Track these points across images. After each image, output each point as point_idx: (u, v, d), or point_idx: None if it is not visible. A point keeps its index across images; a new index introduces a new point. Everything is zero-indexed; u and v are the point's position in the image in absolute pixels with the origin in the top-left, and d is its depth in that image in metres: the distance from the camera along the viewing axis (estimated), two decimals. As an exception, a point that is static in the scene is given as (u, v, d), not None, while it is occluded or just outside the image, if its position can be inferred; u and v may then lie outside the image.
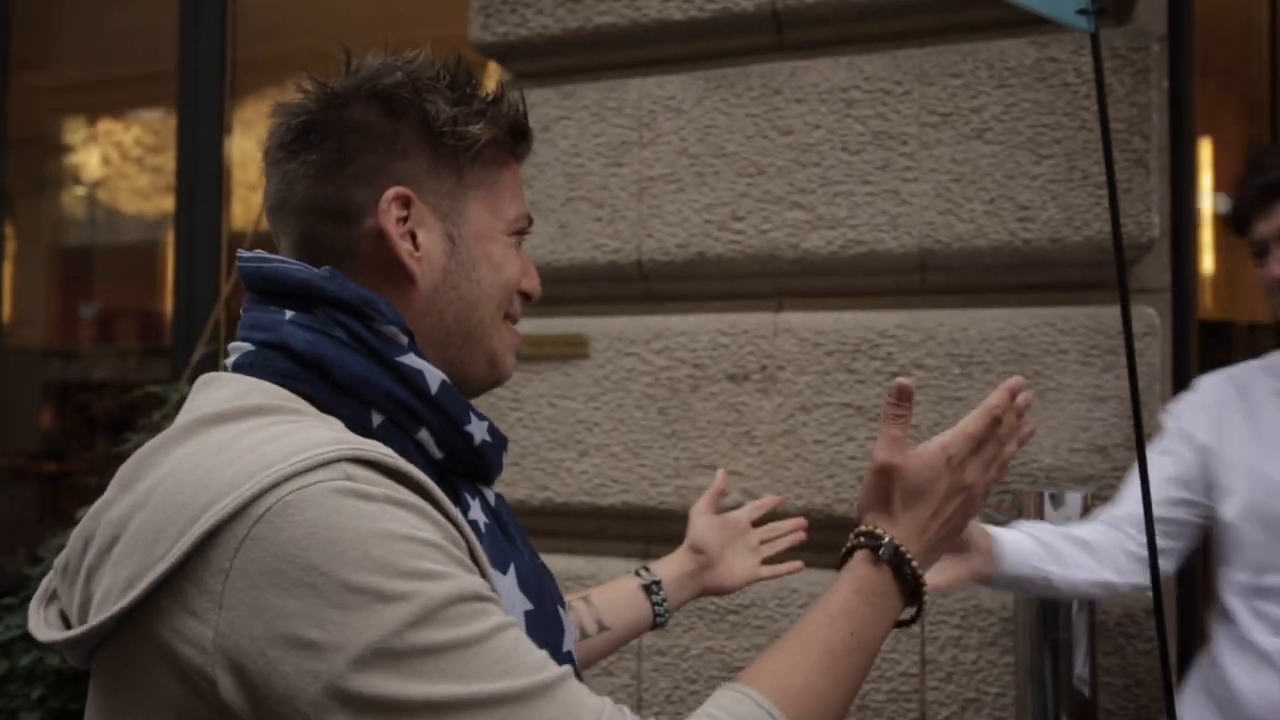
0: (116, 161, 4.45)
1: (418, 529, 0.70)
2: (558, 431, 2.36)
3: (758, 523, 1.49)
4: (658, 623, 1.38)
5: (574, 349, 2.35)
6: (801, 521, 1.52)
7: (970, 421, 0.99)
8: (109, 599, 0.72)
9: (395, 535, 0.69)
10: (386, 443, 0.79)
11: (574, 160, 2.37)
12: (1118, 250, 1.37)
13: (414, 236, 0.87)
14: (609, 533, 2.37)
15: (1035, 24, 2.14)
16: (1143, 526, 1.40)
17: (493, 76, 2.61)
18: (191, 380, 3.12)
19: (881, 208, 2.18)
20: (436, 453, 0.86)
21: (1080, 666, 1.82)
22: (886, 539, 0.93)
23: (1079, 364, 2.05)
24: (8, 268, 4.08)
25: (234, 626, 0.67)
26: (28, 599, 2.90)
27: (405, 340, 0.84)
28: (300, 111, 0.88)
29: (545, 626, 0.88)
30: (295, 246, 0.88)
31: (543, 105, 2.39)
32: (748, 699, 0.79)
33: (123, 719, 0.74)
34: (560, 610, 0.94)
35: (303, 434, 0.73)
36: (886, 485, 0.96)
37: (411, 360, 0.84)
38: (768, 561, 1.47)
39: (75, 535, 0.79)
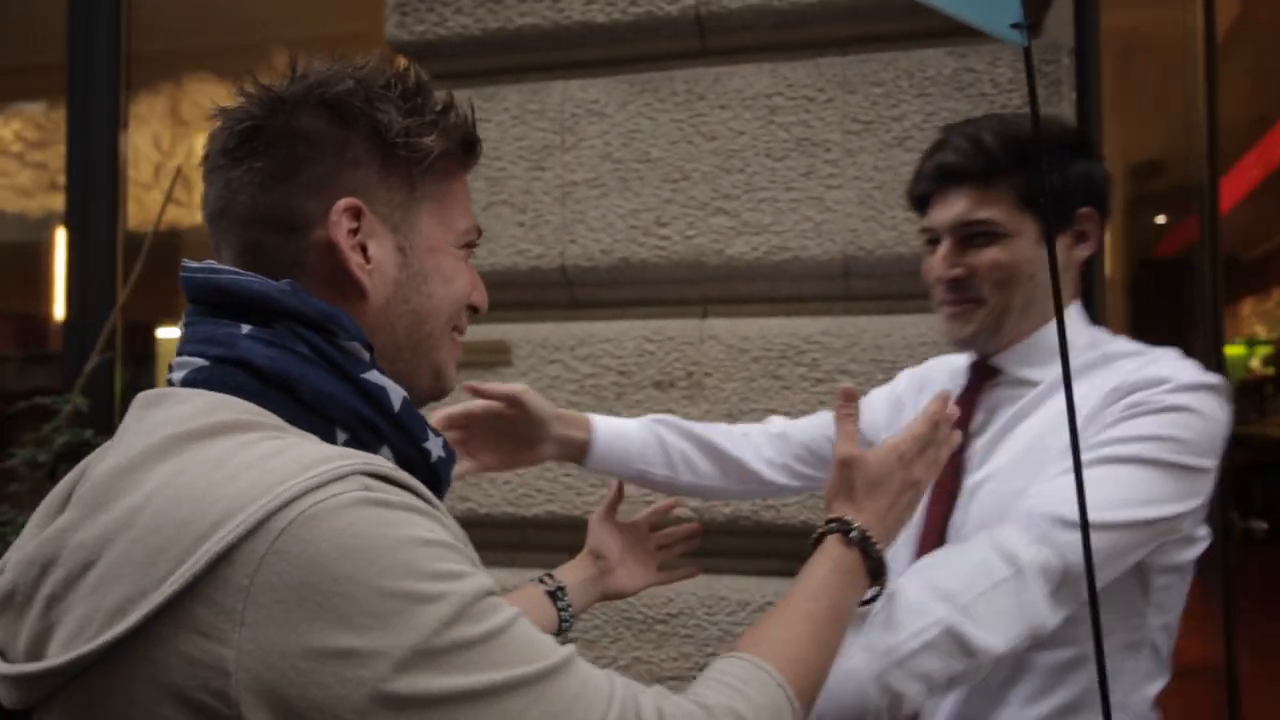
0: (-4, 157, 4.22)
1: (435, 533, 0.71)
2: (480, 440, 2.31)
3: (656, 528, 1.55)
4: (563, 628, 1.38)
5: (497, 356, 2.30)
6: (696, 527, 1.59)
7: (916, 425, 1.14)
8: (88, 628, 0.67)
9: (419, 540, 0.69)
10: None
11: (495, 164, 2.32)
12: (1050, 253, 1.38)
13: (364, 249, 0.83)
14: (532, 543, 2.33)
15: (954, 34, 2.17)
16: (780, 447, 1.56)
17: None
18: (84, 391, 2.98)
19: (806, 214, 2.18)
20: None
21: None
22: (855, 524, 1.04)
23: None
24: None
25: (260, 644, 0.65)
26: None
27: (367, 356, 0.82)
28: (245, 117, 0.83)
29: None
30: (239, 257, 0.83)
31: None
32: (749, 663, 0.85)
33: None
34: None
35: (302, 449, 0.72)
36: (849, 476, 1.09)
37: (374, 377, 0.81)
38: (665, 566, 1.54)
39: (22, 561, 0.73)
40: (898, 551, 1.31)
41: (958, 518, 1.34)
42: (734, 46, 2.27)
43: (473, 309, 0.95)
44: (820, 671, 0.93)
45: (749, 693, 0.82)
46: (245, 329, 0.79)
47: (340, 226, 0.81)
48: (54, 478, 2.90)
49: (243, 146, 0.82)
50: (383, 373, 0.82)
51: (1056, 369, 1.20)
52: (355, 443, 0.79)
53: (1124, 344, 1.38)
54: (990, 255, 1.31)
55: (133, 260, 3.06)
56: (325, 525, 0.66)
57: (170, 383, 0.82)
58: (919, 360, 2.10)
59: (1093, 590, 1.09)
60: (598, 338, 2.26)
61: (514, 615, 0.73)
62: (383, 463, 0.74)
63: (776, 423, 1.66)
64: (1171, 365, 1.28)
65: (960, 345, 1.40)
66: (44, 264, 4.10)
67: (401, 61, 0.91)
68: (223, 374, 0.78)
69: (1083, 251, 1.37)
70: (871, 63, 2.17)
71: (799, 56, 2.22)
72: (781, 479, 1.60)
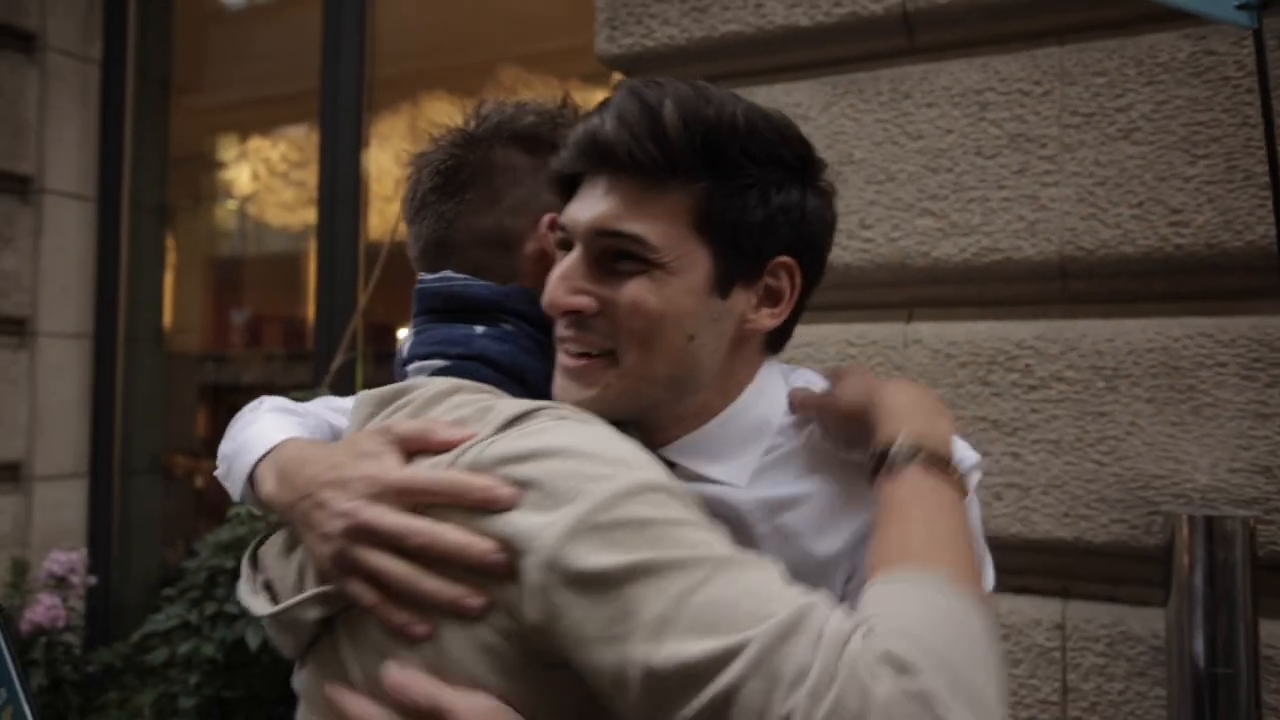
0: (264, 177, 4.57)
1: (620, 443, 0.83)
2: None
3: None
4: None
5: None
6: None
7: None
8: None
9: (602, 437, 0.83)
10: None
11: (699, 170, 2.30)
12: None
13: None
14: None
15: (1190, 17, 1.97)
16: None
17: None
18: (332, 385, 3.18)
19: (1018, 213, 2.04)
20: None
21: (1245, 705, 1.66)
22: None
23: (1239, 378, 1.88)
24: (168, 277, 4.23)
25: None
26: (185, 590, 3.00)
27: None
28: (446, 157, 0.98)
29: None
30: (466, 275, 0.98)
31: (668, 115, 2.32)
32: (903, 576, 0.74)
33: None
34: None
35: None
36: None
37: None
38: None
39: None
40: None
41: None
42: (944, 43, 2.15)
43: None
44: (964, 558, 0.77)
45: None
46: (479, 329, 0.93)
47: (549, 238, 0.95)
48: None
49: (450, 183, 0.97)
50: None
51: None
52: None
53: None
54: (632, 291, 0.88)
55: (372, 267, 3.25)
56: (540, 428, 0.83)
57: (401, 376, 0.98)
58: (1144, 367, 1.93)
59: None
60: (799, 341, 2.19)
61: (697, 517, 0.77)
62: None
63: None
64: None
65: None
66: (304, 272, 4.41)
67: (558, 94, 1.03)
68: (464, 369, 0.92)
69: (767, 318, 0.95)
70: (1093, 51, 2.00)
71: (1013, 49, 2.07)
72: None
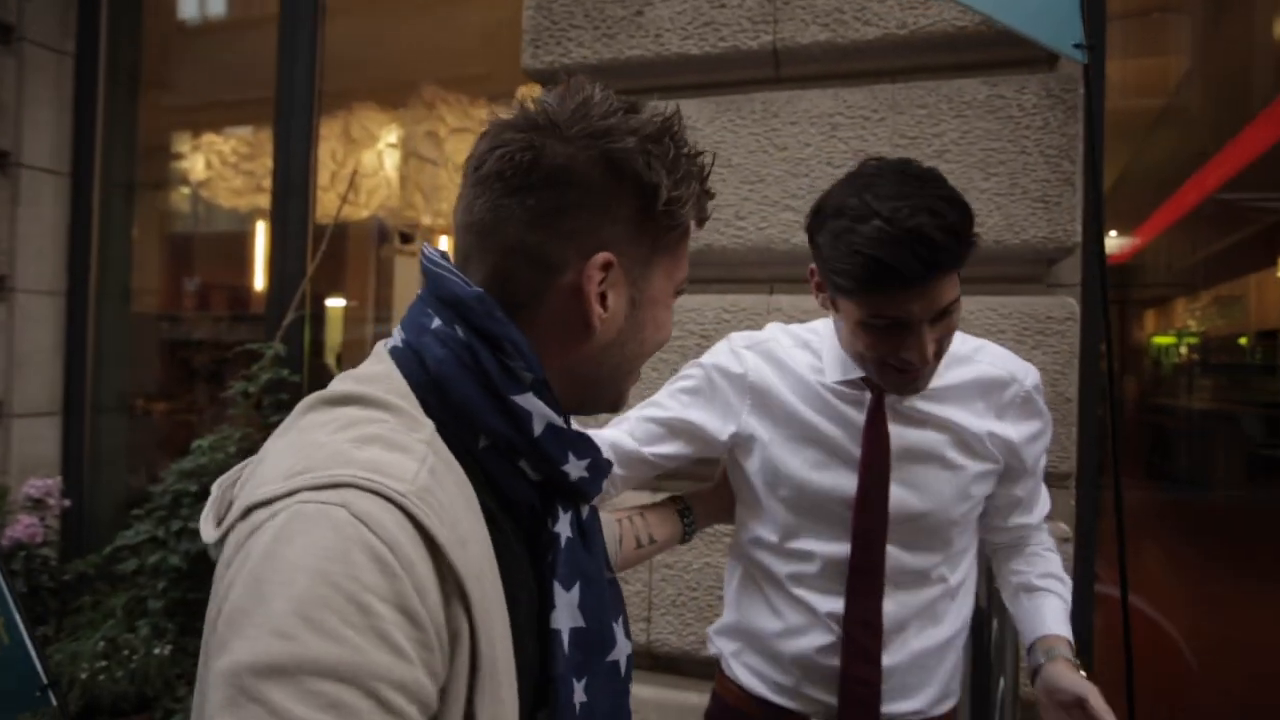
0: (217, 166, 4.24)
1: (363, 581, 0.52)
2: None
3: None
4: (685, 539, 1.29)
5: (604, 320, 2.19)
6: None
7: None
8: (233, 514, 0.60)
9: (326, 578, 0.52)
10: (490, 464, 0.66)
11: (607, 167, 2.20)
12: (1100, 251, 1.23)
13: (604, 297, 0.69)
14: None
15: (988, 66, 2.00)
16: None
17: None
18: (283, 339, 2.95)
19: (857, 212, 2.02)
20: (535, 476, 0.68)
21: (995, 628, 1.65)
22: None
23: (1014, 342, 1.92)
24: (134, 249, 3.85)
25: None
26: (153, 510, 2.72)
27: (529, 379, 0.66)
28: (527, 146, 0.67)
29: (591, 643, 0.70)
30: (489, 277, 0.69)
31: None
32: None
33: None
34: (615, 625, 0.75)
35: (339, 445, 0.59)
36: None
37: (525, 401, 0.66)
38: None
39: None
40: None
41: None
42: (804, 75, 2.11)
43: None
44: None
45: None
46: (435, 324, 0.66)
47: (593, 280, 0.67)
48: (260, 406, 2.86)
49: (518, 177, 0.66)
50: (541, 397, 0.66)
51: None
52: (494, 450, 0.66)
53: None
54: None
55: (318, 244, 3.06)
56: (277, 524, 0.54)
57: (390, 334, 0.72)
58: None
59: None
60: (683, 307, 2.14)
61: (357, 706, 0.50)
62: (401, 483, 0.56)
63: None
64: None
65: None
66: (248, 248, 4.13)
67: (669, 108, 0.71)
68: (404, 356, 0.67)
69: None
70: (917, 89, 2.00)
71: (857, 83, 2.06)
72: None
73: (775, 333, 1.24)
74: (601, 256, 0.67)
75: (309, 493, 0.55)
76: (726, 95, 2.13)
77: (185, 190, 4.38)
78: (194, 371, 4.19)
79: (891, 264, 0.94)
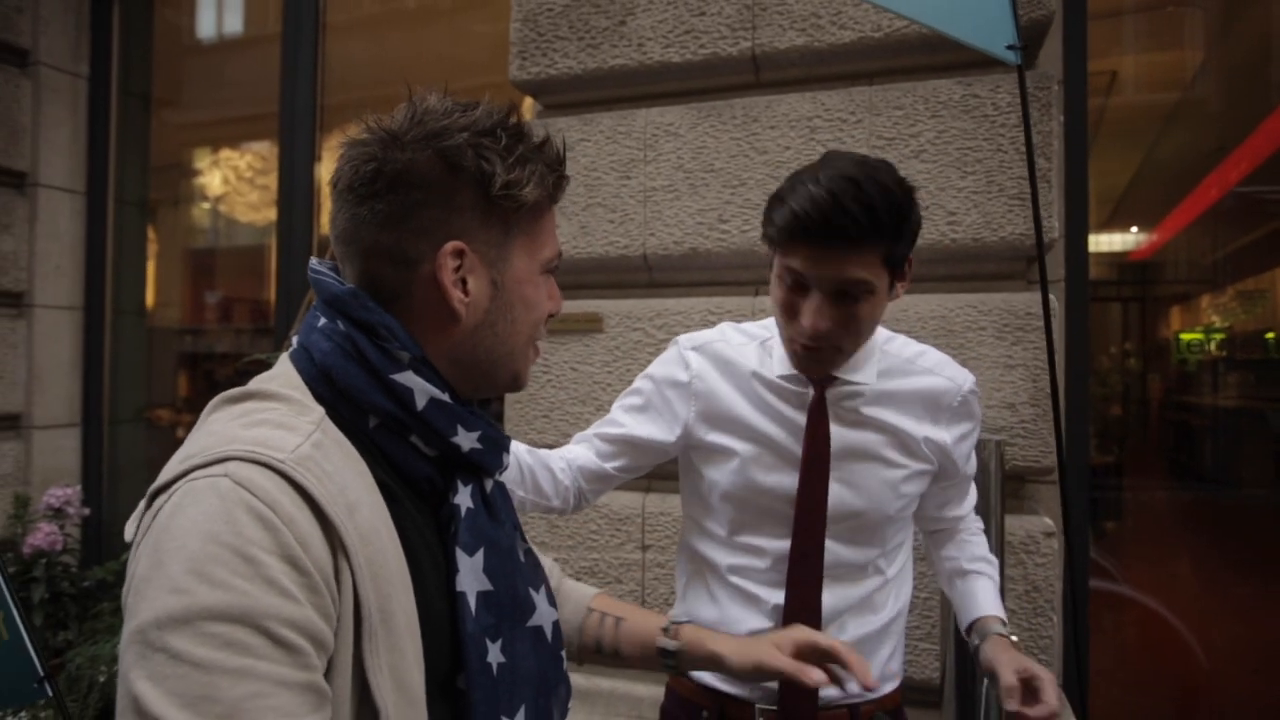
0: (233, 181, 4.37)
1: (250, 538, 0.59)
2: (578, 390, 2.27)
3: None
4: (664, 670, 1.07)
5: (591, 325, 2.25)
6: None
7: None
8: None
9: (217, 538, 0.58)
10: (383, 441, 0.72)
11: (592, 174, 2.26)
12: (1039, 246, 1.27)
13: (464, 283, 0.75)
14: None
15: (963, 67, 2.04)
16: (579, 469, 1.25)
17: (528, 112, 2.50)
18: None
19: (837, 213, 2.07)
20: (429, 452, 0.75)
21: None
22: None
23: (994, 338, 1.96)
24: (151, 264, 3.98)
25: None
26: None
27: (406, 358, 0.73)
28: (369, 158, 0.73)
29: (503, 605, 0.76)
30: (359, 279, 0.76)
31: (567, 130, 2.28)
32: None
33: None
34: (533, 592, 0.81)
35: (229, 430, 0.66)
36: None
37: (405, 378, 0.72)
38: None
39: None
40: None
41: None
42: (783, 80, 2.17)
43: (550, 315, 0.84)
44: None
45: None
46: (321, 322, 0.74)
47: (446, 267, 0.73)
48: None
49: (367, 187, 0.73)
50: (421, 374, 0.73)
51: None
52: (384, 428, 0.72)
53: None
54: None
55: (323, 257, 3.15)
56: (173, 501, 0.61)
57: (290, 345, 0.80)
58: (928, 330, 1.98)
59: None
60: (671, 311, 2.20)
61: (244, 665, 0.56)
62: (281, 453, 0.63)
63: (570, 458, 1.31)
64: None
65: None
66: (266, 261, 4.24)
67: (507, 102, 0.78)
68: (298, 354, 0.75)
69: (903, 289, 1.14)
70: (893, 90, 2.05)
71: (835, 87, 2.11)
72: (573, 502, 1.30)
73: (724, 331, 1.30)
74: (451, 245, 0.73)
75: (198, 470, 0.62)
76: (708, 101, 2.19)
77: (200, 205, 4.52)
78: (215, 383, 4.34)
79: (801, 214, 1.02)
